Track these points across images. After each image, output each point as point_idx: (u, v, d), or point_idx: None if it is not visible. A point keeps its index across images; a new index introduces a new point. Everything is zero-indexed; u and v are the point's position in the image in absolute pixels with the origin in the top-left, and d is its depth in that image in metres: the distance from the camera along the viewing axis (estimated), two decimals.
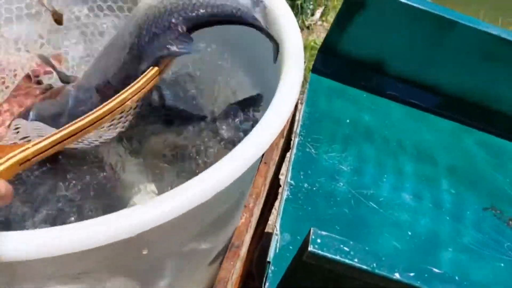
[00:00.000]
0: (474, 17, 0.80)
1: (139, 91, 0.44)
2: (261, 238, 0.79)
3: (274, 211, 0.87)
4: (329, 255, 0.41)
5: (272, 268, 0.58)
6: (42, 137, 0.39)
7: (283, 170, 0.83)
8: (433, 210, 0.71)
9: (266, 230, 0.83)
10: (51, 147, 0.39)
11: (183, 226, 0.42)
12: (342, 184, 0.70)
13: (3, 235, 0.33)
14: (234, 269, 0.60)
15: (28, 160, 0.36)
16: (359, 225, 0.65)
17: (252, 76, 0.62)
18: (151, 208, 0.35)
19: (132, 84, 0.45)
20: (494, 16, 2.17)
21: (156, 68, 0.47)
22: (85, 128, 0.42)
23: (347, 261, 0.41)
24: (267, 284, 0.56)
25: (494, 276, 0.64)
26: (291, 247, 0.61)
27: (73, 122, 0.41)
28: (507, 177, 0.78)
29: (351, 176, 0.71)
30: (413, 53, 0.82)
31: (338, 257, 0.42)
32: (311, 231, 0.43)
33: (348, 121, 0.79)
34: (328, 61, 0.84)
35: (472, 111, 0.85)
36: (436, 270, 0.43)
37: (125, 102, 0.44)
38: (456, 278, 0.44)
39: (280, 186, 0.84)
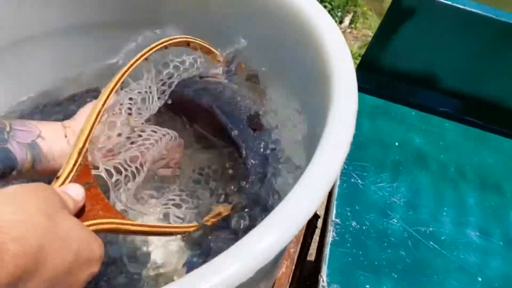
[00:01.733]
0: None
1: None
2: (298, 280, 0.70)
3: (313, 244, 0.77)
4: None
5: None
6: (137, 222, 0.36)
7: None
8: (505, 249, 0.60)
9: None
10: (139, 231, 0.35)
11: None
12: (396, 220, 0.60)
13: None
14: None
15: (115, 231, 0.34)
16: (420, 271, 0.55)
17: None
18: None
19: None
20: None
21: None
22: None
23: None
24: None
25: None
26: None
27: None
28: None
29: (405, 211, 0.61)
30: (469, 64, 0.72)
31: None
32: None
33: (397, 144, 0.69)
34: (369, 76, 0.75)
35: None
36: None
37: None
38: None
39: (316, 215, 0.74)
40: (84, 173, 0.34)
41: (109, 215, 0.34)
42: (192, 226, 0.39)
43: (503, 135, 0.74)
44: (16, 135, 0.38)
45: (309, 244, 0.73)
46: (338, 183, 0.62)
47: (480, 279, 0.56)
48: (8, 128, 0.38)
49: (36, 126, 0.39)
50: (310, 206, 0.32)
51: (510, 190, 0.67)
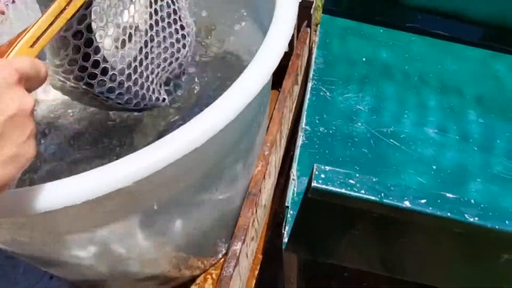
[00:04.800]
0: None
1: None
2: (285, 187, 0.79)
3: None
4: (334, 189, 0.41)
5: (291, 212, 0.58)
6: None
7: None
8: (460, 143, 0.67)
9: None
10: (54, 20, 0.35)
11: (179, 174, 0.42)
12: (360, 124, 0.68)
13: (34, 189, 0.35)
14: (254, 216, 0.60)
15: (37, 39, 0.34)
16: (380, 164, 0.64)
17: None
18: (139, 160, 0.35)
19: None
20: None
21: None
22: None
23: (353, 193, 0.40)
24: (286, 228, 0.56)
25: None
26: None
27: None
28: None
29: (369, 116, 0.69)
30: None
31: (343, 190, 0.41)
32: (314, 167, 0.42)
33: (364, 59, 0.76)
34: None
35: (501, 35, 0.79)
36: (450, 195, 0.41)
37: None
38: (472, 201, 0.42)
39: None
40: None
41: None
42: None
43: (467, 44, 0.80)
44: None
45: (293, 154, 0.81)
46: (308, 96, 0.70)
47: (434, 167, 0.64)
48: None
49: None
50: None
51: (470, 92, 0.73)
